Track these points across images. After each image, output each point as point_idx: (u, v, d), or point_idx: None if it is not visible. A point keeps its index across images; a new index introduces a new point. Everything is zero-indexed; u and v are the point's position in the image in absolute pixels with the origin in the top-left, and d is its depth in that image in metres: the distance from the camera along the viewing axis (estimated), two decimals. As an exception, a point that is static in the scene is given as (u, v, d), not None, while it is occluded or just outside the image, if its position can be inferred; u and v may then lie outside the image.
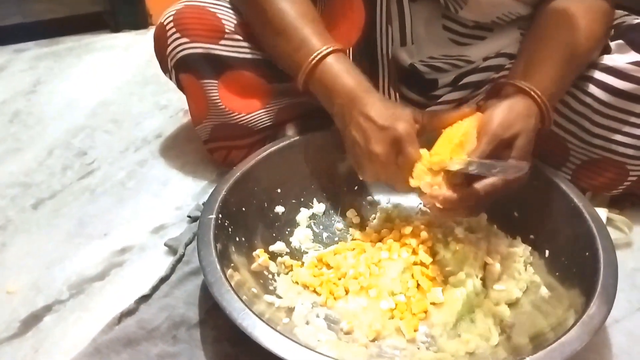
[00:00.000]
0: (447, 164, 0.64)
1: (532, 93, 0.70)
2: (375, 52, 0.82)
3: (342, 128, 0.73)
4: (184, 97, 0.94)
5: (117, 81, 1.33)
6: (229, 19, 0.85)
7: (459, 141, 0.66)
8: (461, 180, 0.66)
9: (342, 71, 0.72)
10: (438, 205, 0.64)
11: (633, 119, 0.77)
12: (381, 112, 0.69)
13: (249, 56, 0.85)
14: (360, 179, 0.75)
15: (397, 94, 0.87)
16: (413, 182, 0.66)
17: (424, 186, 0.65)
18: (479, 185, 0.65)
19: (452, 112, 0.71)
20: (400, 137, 0.67)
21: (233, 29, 0.85)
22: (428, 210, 0.72)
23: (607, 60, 0.78)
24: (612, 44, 0.79)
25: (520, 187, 0.67)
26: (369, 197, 0.84)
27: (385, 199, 0.84)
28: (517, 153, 0.67)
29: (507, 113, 0.67)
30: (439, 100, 0.88)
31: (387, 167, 0.69)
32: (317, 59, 0.72)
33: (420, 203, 0.84)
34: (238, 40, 0.85)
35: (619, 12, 0.84)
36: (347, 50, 0.78)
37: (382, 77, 0.86)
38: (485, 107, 0.70)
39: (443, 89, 0.89)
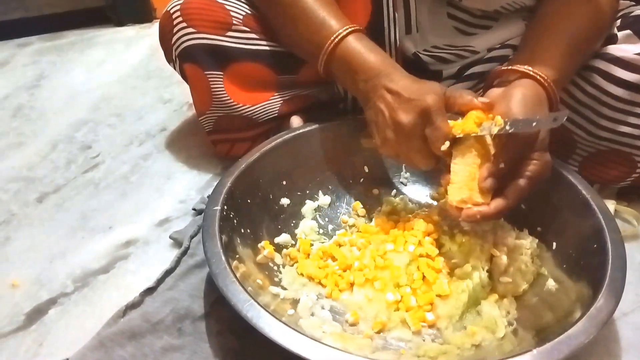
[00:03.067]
0: (487, 126, 0.64)
1: (539, 77, 0.69)
2: (382, 41, 0.82)
3: (365, 104, 0.73)
4: (187, 90, 0.94)
5: (120, 75, 1.33)
6: (236, 11, 0.85)
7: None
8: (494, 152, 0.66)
9: (365, 49, 0.72)
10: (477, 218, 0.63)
11: (639, 110, 0.77)
12: (408, 85, 0.68)
13: (256, 48, 0.85)
14: (381, 153, 0.74)
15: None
16: (444, 147, 0.65)
17: (458, 202, 0.64)
18: (511, 190, 0.64)
19: (472, 99, 0.68)
20: (428, 108, 0.66)
21: (241, 21, 0.84)
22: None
23: (614, 50, 0.77)
24: (619, 34, 0.78)
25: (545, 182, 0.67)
26: (375, 190, 0.84)
27: (391, 191, 0.84)
28: (540, 146, 0.66)
29: (525, 105, 0.65)
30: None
31: (412, 139, 0.67)
32: (338, 38, 0.72)
33: (427, 195, 0.84)
34: (245, 32, 0.85)
35: (626, 2, 0.83)
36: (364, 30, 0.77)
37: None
38: (493, 96, 0.68)
39: (447, 81, 0.89)
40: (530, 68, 0.70)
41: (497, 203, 0.64)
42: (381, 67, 0.71)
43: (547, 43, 0.74)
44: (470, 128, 0.64)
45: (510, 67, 0.72)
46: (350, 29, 0.73)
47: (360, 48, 0.72)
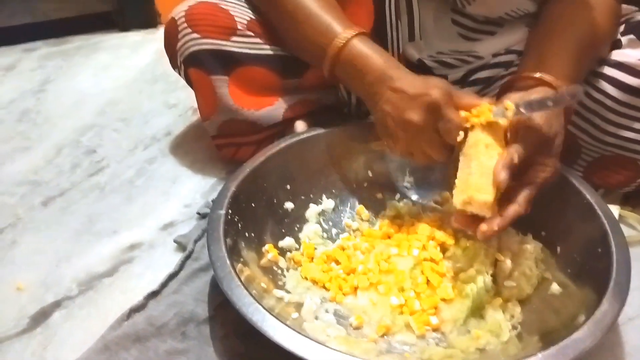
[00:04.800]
0: (499, 111, 0.64)
1: (554, 85, 0.68)
2: (385, 48, 0.82)
3: (372, 106, 0.73)
4: (192, 95, 0.95)
5: (125, 80, 1.33)
6: (241, 16, 0.86)
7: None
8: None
9: (369, 51, 0.72)
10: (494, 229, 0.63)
11: (644, 116, 0.77)
12: (412, 82, 0.69)
13: (261, 52, 0.86)
14: (392, 154, 0.75)
15: None
16: (462, 135, 0.65)
17: (462, 204, 0.63)
18: (523, 196, 0.64)
19: (476, 97, 0.69)
20: (436, 101, 0.66)
21: (245, 26, 0.85)
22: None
23: (618, 55, 0.77)
24: (623, 39, 0.79)
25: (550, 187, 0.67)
26: (379, 194, 0.84)
27: (395, 195, 0.84)
28: (556, 151, 0.66)
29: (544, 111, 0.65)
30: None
31: (424, 134, 0.68)
32: (344, 41, 0.73)
33: (431, 199, 0.84)
34: (250, 36, 0.85)
35: (630, 7, 0.84)
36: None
37: None
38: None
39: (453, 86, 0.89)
40: (544, 75, 0.70)
41: (510, 211, 0.63)
42: (385, 69, 0.71)
43: (554, 49, 0.74)
44: (484, 113, 0.65)
45: (524, 75, 0.72)
46: (355, 32, 0.73)
47: (365, 50, 0.73)
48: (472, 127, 0.66)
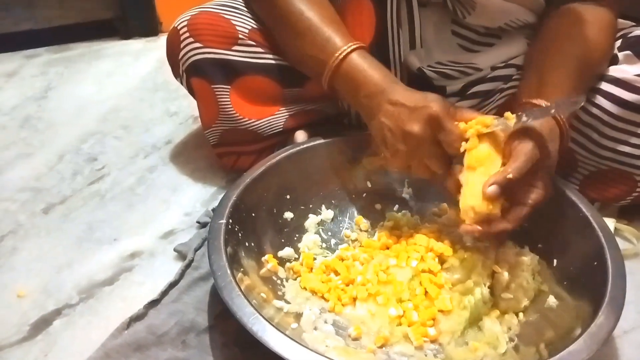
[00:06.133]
0: (500, 122, 0.65)
1: (556, 116, 0.69)
2: (387, 56, 0.83)
3: (369, 120, 0.74)
4: (193, 103, 0.95)
5: (127, 87, 1.34)
6: (243, 25, 0.86)
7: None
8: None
9: (367, 65, 0.73)
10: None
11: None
12: (410, 96, 0.69)
13: (262, 61, 0.87)
14: (390, 169, 0.75)
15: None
16: (464, 146, 0.66)
17: (463, 212, 0.66)
18: (513, 214, 0.66)
19: (474, 112, 0.70)
20: (435, 113, 0.67)
21: (247, 35, 0.86)
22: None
23: (615, 71, 0.78)
24: (620, 55, 0.80)
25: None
26: (377, 205, 0.84)
27: (393, 206, 0.84)
28: (549, 172, 0.68)
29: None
30: None
31: (424, 146, 0.68)
32: (342, 55, 0.74)
33: (430, 210, 0.84)
34: (252, 45, 0.86)
35: (626, 22, 0.85)
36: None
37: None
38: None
39: (451, 98, 0.90)
40: (544, 102, 0.70)
41: (497, 226, 0.65)
42: (383, 83, 0.72)
43: (554, 70, 0.75)
44: (485, 123, 0.66)
45: (526, 101, 0.72)
46: (354, 46, 0.74)
47: (364, 65, 0.74)
48: (474, 138, 0.67)
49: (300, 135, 0.89)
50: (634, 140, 0.78)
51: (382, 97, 0.71)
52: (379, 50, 0.81)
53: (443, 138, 0.68)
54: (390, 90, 0.71)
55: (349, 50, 0.74)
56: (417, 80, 0.89)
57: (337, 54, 0.74)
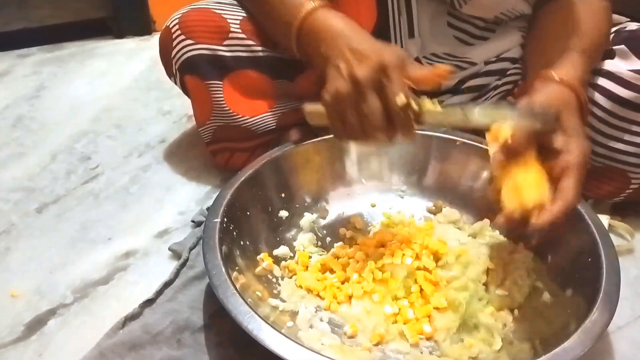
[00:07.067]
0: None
1: (565, 82, 0.69)
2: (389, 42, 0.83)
3: (325, 66, 0.70)
4: (187, 102, 0.95)
5: (120, 87, 1.34)
6: (234, 18, 0.86)
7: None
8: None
9: (331, 17, 0.72)
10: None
11: (635, 128, 0.78)
12: (370, 45, 0.67)
13: (253, 55, 0.86)
14: (336, 137, 0.71)
15: None
16: (399, 100, 0.63)
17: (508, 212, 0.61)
18: (562, 189, 0.62)
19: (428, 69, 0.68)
20: (386, 63, 0.64)
21: (238, 27, 0.86)
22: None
23: (609, 66, 0.78)
24: (615, 49, 0.80)
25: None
26: (373, 202, 0.85)
27: (389, 204, 0.84)
28: (568, 132, 0.65)
29: (545, 97, 0.66)
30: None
31: (366, 95, 0.65)
32: (306, 12, 0.72)
33: (425, 207, 0.84)
34: (242, 38, 0.86)
35: (622, 17, 0.85)
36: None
37: None
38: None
39: (445, 96, 0.90)
40: (554, 73, 0.70)
41: (558, 205, 0.61)
42: (346, 31, 0.70)
43: (559, 51, 0.74)
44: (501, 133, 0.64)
45: (533, 79, 0.72)
46: (318, 4, 0.73)
47: (327, 17, 0.72)
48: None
49: (295, 133, 0.88)
50: (627, 137, 0.78)
51: (342, 43, 0.69)
52: (380, 38, 0.81)
53: (384, 87, 0.65)
54: (353, 37, 0.69)
55: (314, 7, 0.72)
56: None
57: (301, 13, 0.73)
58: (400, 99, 0.64)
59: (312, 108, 0.74)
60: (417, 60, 0.87)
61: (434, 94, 0.90)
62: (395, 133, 0.67)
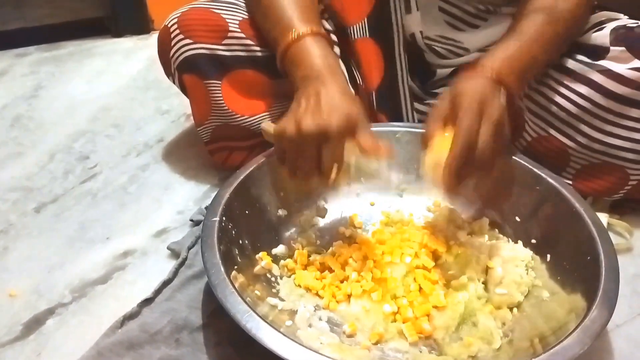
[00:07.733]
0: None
1: (479, 67, 0.71)
2: (390, 18, 0.85)
3: (296, 92, 0.73)
4: (185, 102, 0.95)
5: (118, 86, 1.33)
6: (233, 18, 0.86)
7: None
8: None
9: (315, 51, 0.73)
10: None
11: (631, 123, 0.78)
12: (332, 96, 0.68)
13: (251, 54, 0.86)
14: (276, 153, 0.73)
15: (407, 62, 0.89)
16: (334, 175, 0.68)
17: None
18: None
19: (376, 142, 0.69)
20: (329, 129, 0.66)
21: (237, 27, 0.86)
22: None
23: (607, 64, 0.78)
24: (612, 49, 0.79)
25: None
26: (371, 201, 0.85)
27: (387, 203, 0.84)
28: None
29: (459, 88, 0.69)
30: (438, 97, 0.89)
31: (305, 148, 0.67)
32: (295, 37, 0.74)
33: (424, 206, 0.84)
34: (241, 38, 0.86)
35: (619, 14, 0.85)
36: (331, 39, 0.81)
37: (397, 45, 0.88)
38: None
39: (441, 87, 0.91)
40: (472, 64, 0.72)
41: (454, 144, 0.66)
42: (322, 71, 0.71)
43: (504, 39, 0.77)
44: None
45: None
46: (309, 31, 0.74)
47: (312, 49, 0.74)
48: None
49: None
50: (624, 132, 0.79)
51: (313, 85, 0.70)
52: (381, 15, 0.81)
53: (323, 152, 0.67)
54: (325, 83, 0.70)
55: (303, 33, 0.74)
56: (410, 48, 0.90)
57: (291, 35, 0.74)
58: (333, 174, 0.67)
59: (269, 128, 0.77)
60: (413, 37, 0.88)
61: (430, 79, 0.93)
62: (327, 181, 0.69)
